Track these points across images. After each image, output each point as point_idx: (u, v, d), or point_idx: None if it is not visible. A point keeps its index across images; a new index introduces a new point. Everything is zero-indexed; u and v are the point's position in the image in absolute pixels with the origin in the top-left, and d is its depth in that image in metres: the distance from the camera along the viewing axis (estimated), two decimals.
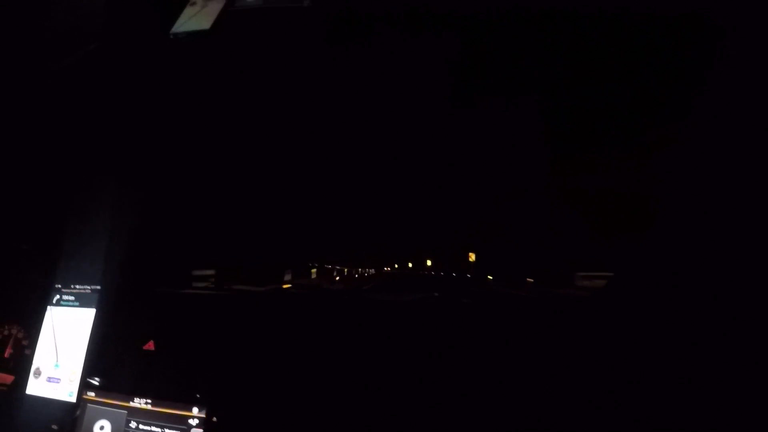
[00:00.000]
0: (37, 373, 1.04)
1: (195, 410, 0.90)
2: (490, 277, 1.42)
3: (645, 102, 1.05)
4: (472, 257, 1.43)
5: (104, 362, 1.00)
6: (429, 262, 1.47)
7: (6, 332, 1.14)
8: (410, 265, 1.47)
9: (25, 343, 1.08)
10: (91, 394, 0.98)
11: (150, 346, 0.99)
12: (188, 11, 1.08)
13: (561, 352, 0.83)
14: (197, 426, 0.89)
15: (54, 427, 0.97)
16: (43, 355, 1.05)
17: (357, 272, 1.49)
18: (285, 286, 1.12)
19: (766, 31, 0.72)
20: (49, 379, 1.03)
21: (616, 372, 0.78)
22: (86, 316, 1.05)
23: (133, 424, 0.93)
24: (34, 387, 1.03)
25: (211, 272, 1.19)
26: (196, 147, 1.27)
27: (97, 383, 0.98)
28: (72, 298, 1.08)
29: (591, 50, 1.01)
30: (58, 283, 1.09)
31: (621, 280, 0.94)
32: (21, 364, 1.06)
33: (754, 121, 0.73)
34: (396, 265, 1.46)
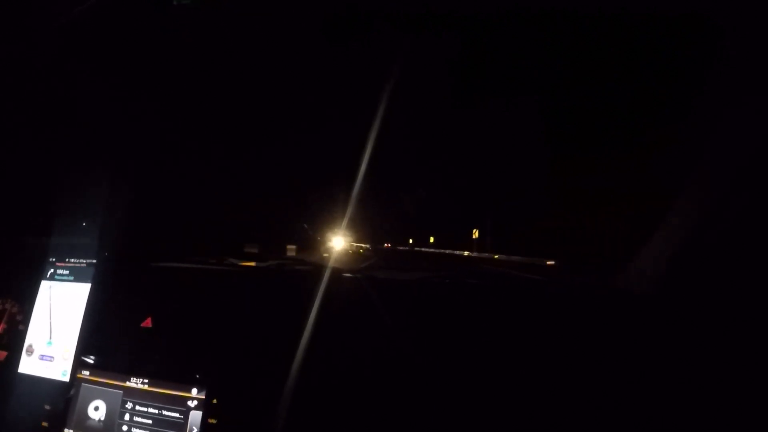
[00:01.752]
0: (30, 350, 0.98)
1: (194, 391, 0.84)
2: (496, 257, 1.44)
3: (643, 102, 1.05)
4: (476, 234, 1.46)
5: (99, 340, 0.94)
6: (432, 239, 1.47)
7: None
8: (410, 241, 1.46)
9: (19, 318, 1.02)
10: (86, 373, 0.92)
11: (148, 323, 0.93)
12: None
13: (557, 333, 0.83)
14: (196, 408, 0.83)
15: (46, 407, 0.92)
16: (36, 332, 0.99)
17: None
18: (286, 262, 1.05)
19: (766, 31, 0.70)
20: (42, 357, 0.97)
21: (615, 357, 0.78)
22: (81, 291, 0.99)
23: (129, 405, 0.87)
24: (27, 365, 0.98)
25: (212, 246, 1.13)
26: (193, 123, 1.20)
27: (91, 362, 0.92)
28: (67, 272, 1.02)
29: (590, 50, 1.02)
30: (52, 257, 1.03)
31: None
32: (14, 340, 1.00)
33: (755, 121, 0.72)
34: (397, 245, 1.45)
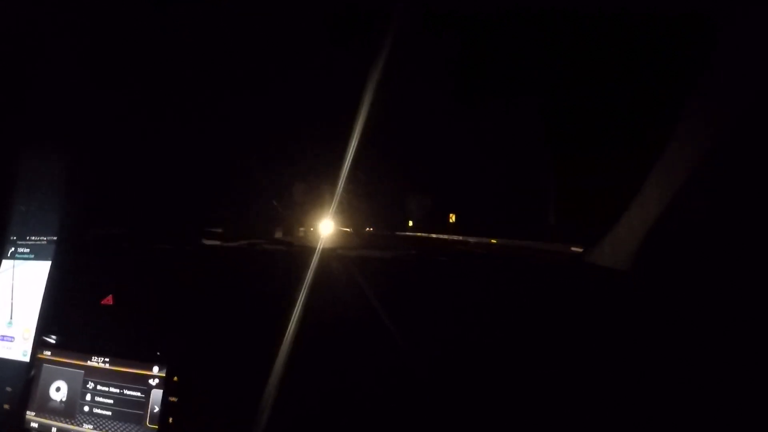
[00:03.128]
0: None
1: (155, 369, 0.80)
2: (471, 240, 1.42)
3: (641, 101, 1.02)
4: (452, 218, 1.44)
5: (60, 318, 0.90)
6: (410, 223, 1.45)
7: None
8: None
9: None
10: (47, 353, 0.88)
11: (109, 300, 0.89)
12: None
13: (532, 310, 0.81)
14: (157, 386, 0.79)
15: (8, 388, 0.89)
16: None
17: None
18: (257, 242, 1.00)
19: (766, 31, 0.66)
20: (2, 338, 0.93)
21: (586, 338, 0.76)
22: (42, 270, 0.95)
23: (90, 385, 0.84)
24: None
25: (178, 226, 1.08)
26: (159, 95, 1.14)
27: (52, 341, 0.89)
28: (27, 250, 0.98)
29: (589, 50, 0.99)
30: (12, 235, 0.99)
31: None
32: None
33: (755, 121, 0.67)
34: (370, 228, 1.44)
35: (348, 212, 1.14)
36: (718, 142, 0.69)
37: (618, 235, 0.90)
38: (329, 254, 0.91)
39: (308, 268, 0.86)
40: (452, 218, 1.44)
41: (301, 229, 1.20)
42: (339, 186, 1.04)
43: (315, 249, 0.91)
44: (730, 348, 0.70)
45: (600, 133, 1.18)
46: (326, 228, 1.15)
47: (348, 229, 1.37)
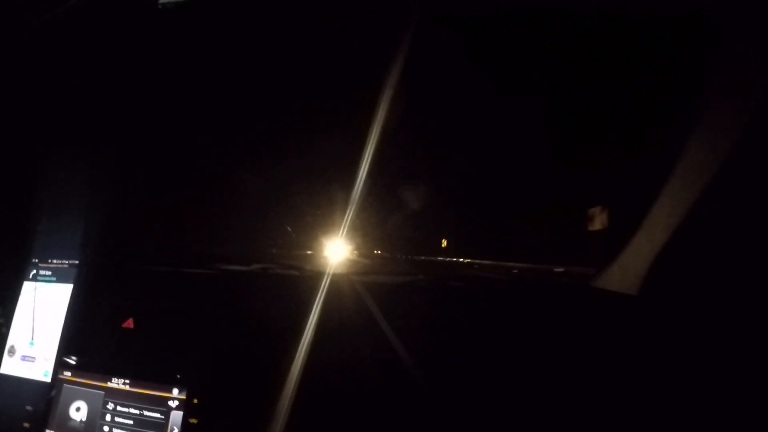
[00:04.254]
0: (12, 351, 0.98)
1: (175, 391, 0.84)
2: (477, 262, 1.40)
3: (640, 102, 1.01)
4: (444, 243, 1.43)
5: (81, 340, 0.94)
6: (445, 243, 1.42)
7: None
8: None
9: (0, 319, 1.02)
10: (67, 374, 0.92)
11: (129, 324, 0.93)
12: None
13: (546, 337, 0.82)
14: (177, 408, 0.83)
15: (28, 408, 0.92)
16: (17, 332, 0.99)
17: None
18: (271, 266, 1.04)
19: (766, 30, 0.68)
20: (24, 358, 0.97)
21: (603, 361, 0.77)
22: (63, 292, 0.99)
23: (110, 406, 0.87)
24: (8, 366, 0.98)
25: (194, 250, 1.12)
26: (180, 119, 1.19)
27: (73, 362, 0.92)
28: (49, 273, 1.02)
29: (588, 50, 0.98)
30: (35, 257, 1.03)
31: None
32: None
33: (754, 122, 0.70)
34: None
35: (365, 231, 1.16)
36: (729, 163, 0.70)
37: (626, 259, 0.90)
38: (341, 279, 0.95)
39: (320, 292, 0.91)
40: (444, 243, 1.44)
41: (312, 252, 1.23)
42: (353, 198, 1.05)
43: (327, 274, 0.96)
44: (742, 373, 0.70)
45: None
46: (339, 250, 1.17)
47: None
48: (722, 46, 0.72)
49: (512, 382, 0.78)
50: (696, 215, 0.75)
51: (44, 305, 0.99)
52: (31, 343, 0.97)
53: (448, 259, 1.41)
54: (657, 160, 0.87)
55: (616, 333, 0.80)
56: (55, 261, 1.02)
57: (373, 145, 1.05)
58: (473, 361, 0.82)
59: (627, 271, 0.91)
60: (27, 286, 1.02)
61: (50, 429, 0.89)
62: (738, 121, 0.70)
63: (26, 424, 0.91)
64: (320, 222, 1.18)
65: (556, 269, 1.19)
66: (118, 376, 0.88)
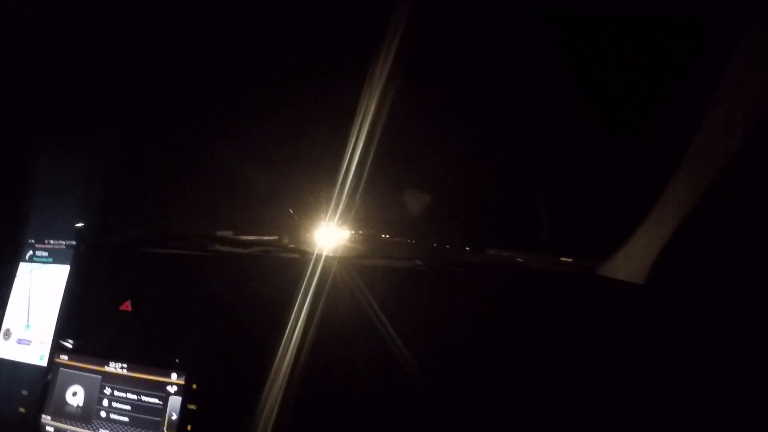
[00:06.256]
0: (7, 334, 0.95)
1: (174, 376, 0.81)
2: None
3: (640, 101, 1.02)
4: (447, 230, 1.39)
5: (78, 323, 0.91)
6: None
7: None
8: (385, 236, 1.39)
9: None
10: (64, 358, 0.88)
11: (127, 306, 0.89)
12: None
13: (550, 323, 0.80)
14: (176, 393, 0.80)
15: (23, 392, 0.89)
16: (13, 315, 0.96)
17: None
18: (270, 249, 1.01)
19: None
20: (20, 341, 0.94)
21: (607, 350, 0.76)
22: (60, 274, 0.95)
23: (107, 390, 0.84)
24: (3, 349, 0.94)
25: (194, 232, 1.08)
26: (176, 100, 1.14)
27: (70, 346, 0.89)
28: (46, 253, 0.98)
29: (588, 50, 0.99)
30: (31, 238, 1.00)
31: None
32: None
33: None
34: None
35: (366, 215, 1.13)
36: (737, 154, 0.69)
37: (632, 247, 0.90)
38: (342, 263, 0.91)
39: (320, 276, 0.87)
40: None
41: (313, 235, 1.20)
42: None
43: (327, 257, 0.92)
44: (747, 361, 0.70)
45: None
46: (340, 234, 1.14)
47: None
48: (734, 44, 0.70)
49: (514, 369, 0.77)
50: (702, 206, 0.75)
51: (41, 287, 0.96)
52: (27, 326, 0.94)
53: (450, 245, 1.40)
54: (665, 152, 0.86)
55: (621, 321, 0.79)
56: (51, 241, 0.98)
57: (374, 127, 1.01)
58: (474, 348, 0.80)
59: (632, 259, 0.90)
60: (23, 268, 0.98)
61: (46, 414, 0.86)
62: (745, 117, 0.69)
63: (22, 409, 0.88)
64: (321, 205, 1.14)
65: (563, 259, 1.18)
66: (116, 361, 0.85)
